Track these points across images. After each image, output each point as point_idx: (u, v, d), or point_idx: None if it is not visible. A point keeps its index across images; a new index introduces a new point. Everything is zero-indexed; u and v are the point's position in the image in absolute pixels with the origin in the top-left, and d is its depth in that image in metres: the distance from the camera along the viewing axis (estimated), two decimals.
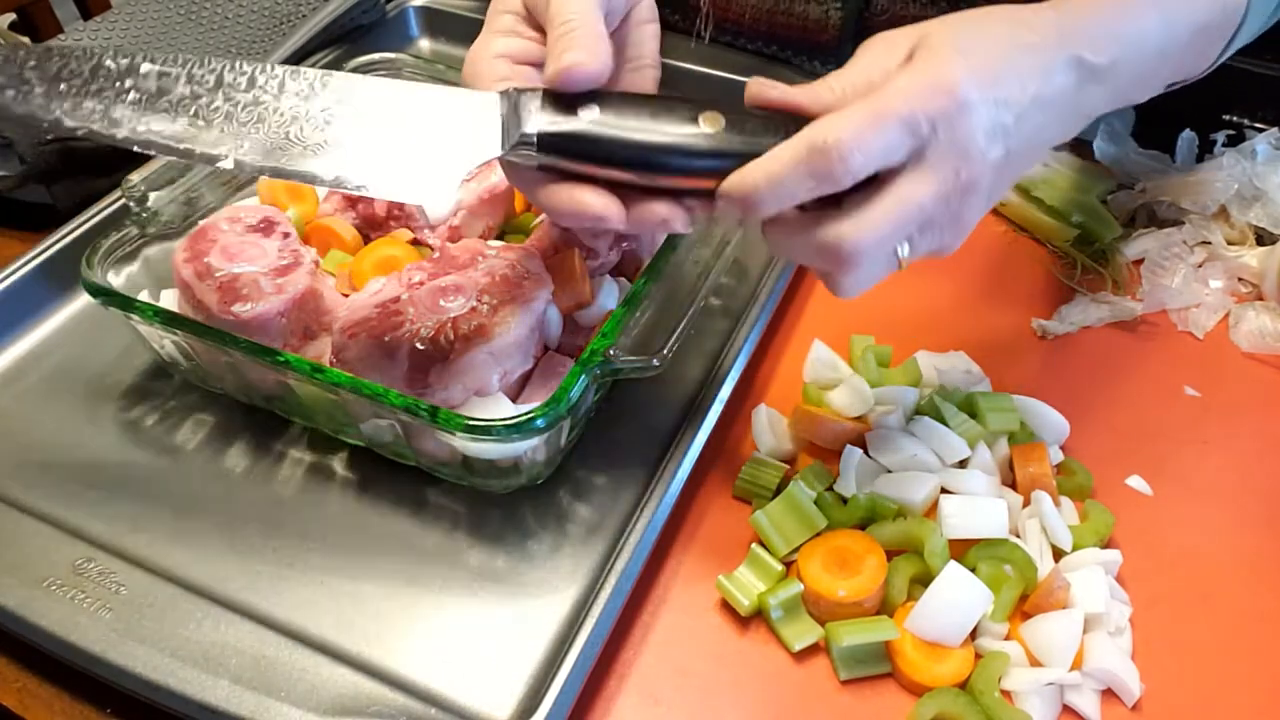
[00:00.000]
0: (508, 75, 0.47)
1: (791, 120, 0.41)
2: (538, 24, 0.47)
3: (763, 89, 0.43)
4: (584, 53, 0.43)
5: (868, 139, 0.38)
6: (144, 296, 0.55)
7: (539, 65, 0.47)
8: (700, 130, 0.42)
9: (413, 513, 0.53)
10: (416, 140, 0.44)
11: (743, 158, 0.41)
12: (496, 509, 0.53)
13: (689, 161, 0.42)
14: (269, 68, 0.44)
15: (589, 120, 0.42)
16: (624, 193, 0.43)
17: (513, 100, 0.43)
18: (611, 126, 0.42)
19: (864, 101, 0.39)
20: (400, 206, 0.61)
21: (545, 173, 0.44)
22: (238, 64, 0.44)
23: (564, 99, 0.43)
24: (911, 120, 0.39)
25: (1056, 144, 0.46)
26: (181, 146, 0.43)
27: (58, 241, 0.63)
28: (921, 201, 0.40)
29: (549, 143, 0.42)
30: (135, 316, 0.52)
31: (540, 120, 0.42)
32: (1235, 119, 0.77)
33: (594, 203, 0.43)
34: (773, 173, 0.40)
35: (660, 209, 0.43)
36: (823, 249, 0.41)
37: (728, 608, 0.51)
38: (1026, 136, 0.42)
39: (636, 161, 0.42)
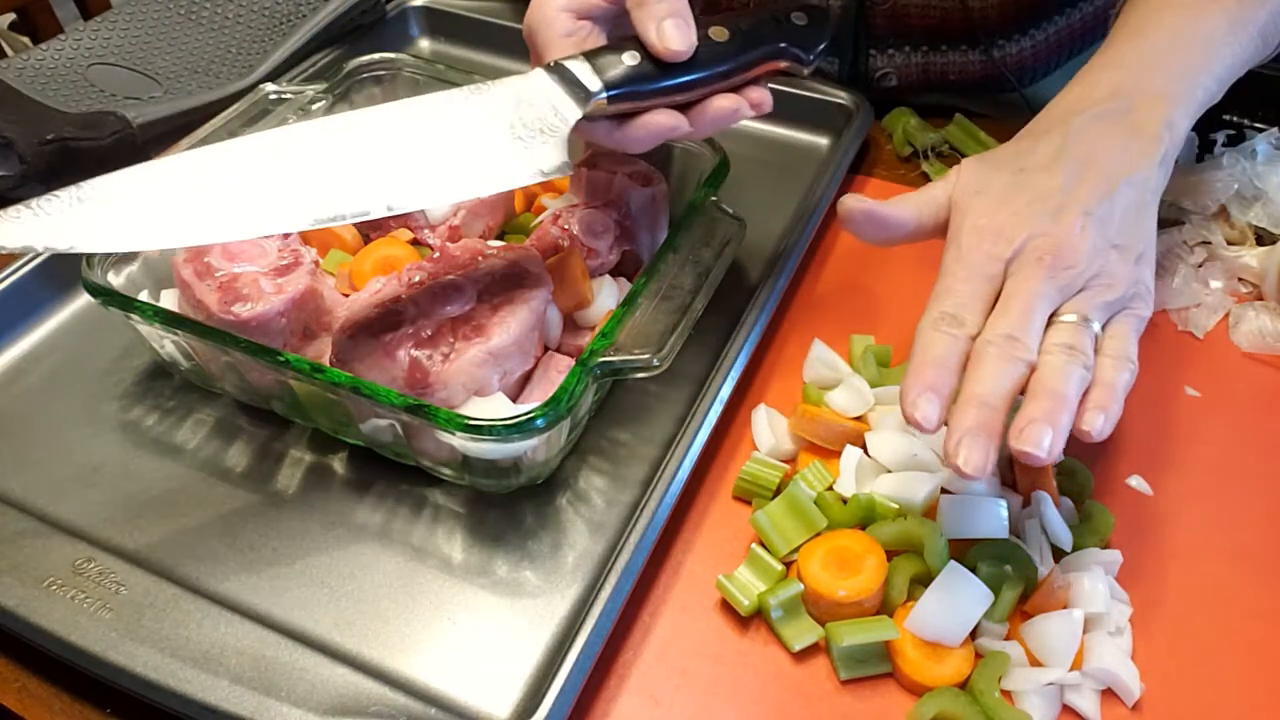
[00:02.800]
0: (571, 30, 0.51)
1: (784, 16, 0.55)
2: None
3: (850, 208, 0.52)
4: (686, 33, 0.50)
5: (961, 282, 0.50)
6: (144, 296, 0.55)
7: (599, 19, 0.53)
8: (713, 41, 0.52)
9: (413, 513, 0.53)
10: (502, 134, 0.49)
11: (750, 55, 0.53)
12: (496, 509, 0.53)
13: (714, 67, 0.52)
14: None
15: (634, 60, 0.50)
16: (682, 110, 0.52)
17: (560, 71, 0.50)
18: (651, 61, 0.51)
19: (950, 256, 0.51)
20: None
21: (612, 120, 0.51)
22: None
23: (604, 51, 0.50)
24: (993, 253, 0.49)
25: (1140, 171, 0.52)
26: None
27: None
28: (1031, 279, 0.48)
29: (617, 91, 0.50)
30: (135, 316, 0.52)
31: (598, 78, 0.50)
32: (1235, 119, 0.77)
33: (665, 120, 0.51)
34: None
35: (722, 101, 0.52)
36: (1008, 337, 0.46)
37: (728, 608, 0.51)
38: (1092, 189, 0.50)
39: (681, 83, 0.51)
